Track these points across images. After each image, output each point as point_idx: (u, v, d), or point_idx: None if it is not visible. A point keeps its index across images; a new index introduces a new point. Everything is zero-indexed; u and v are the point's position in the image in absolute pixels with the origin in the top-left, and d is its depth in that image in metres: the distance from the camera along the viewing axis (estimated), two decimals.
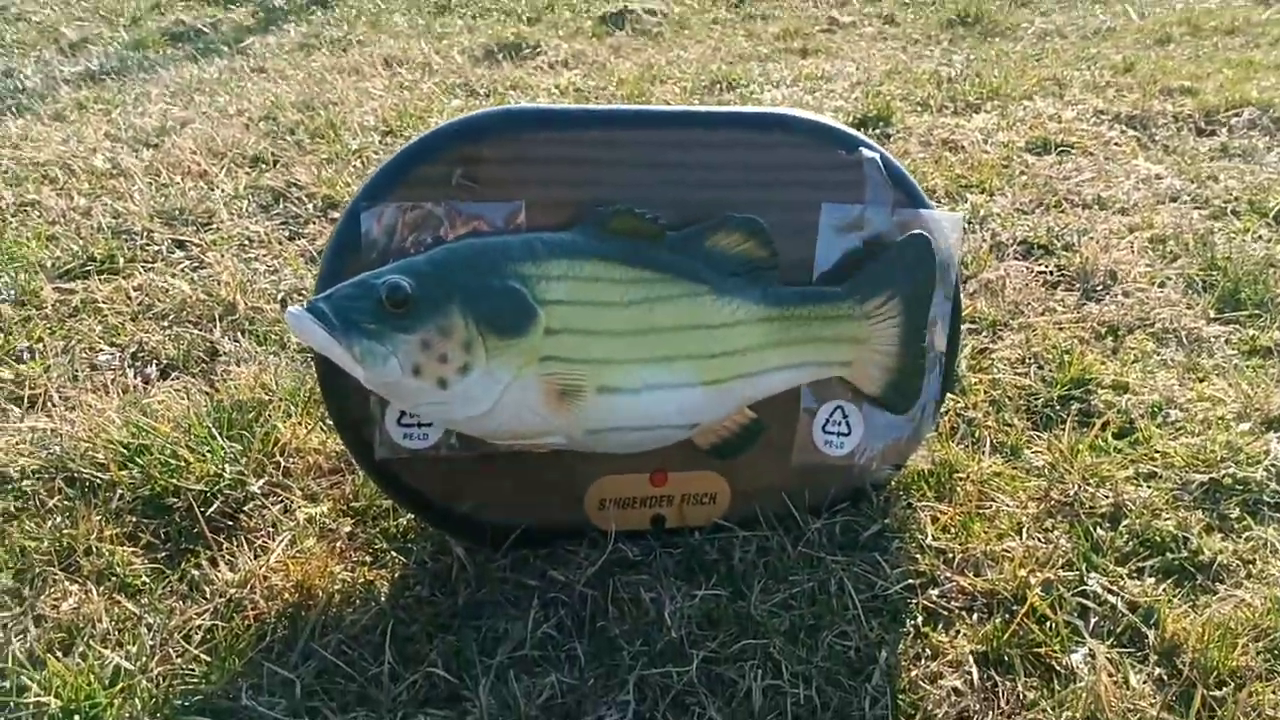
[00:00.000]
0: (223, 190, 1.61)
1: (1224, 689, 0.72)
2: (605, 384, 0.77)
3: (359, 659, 0.74)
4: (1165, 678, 0.73)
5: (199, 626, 0.77)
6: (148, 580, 0.82)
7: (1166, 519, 0.88)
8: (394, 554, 0.84)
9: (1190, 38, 2.66)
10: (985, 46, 2.58)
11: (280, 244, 1.44)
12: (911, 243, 0.83)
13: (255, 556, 0.83)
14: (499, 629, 0.77)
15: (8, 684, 0.71)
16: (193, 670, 0.73)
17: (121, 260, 1.38)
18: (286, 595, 0.79)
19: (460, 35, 2.77)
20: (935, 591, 0.81)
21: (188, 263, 1.38)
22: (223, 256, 1.38)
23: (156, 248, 1.42)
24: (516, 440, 0.78)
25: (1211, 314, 1.21)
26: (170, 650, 0.75)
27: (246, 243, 1.45)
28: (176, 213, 1.52)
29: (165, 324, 1.22)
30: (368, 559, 0.84)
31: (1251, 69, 2.27)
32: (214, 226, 1.49)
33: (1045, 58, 2.42)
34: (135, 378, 1.11)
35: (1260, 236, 1.43)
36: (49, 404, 1.05)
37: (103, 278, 1.33)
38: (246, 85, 2.29)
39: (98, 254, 1.38)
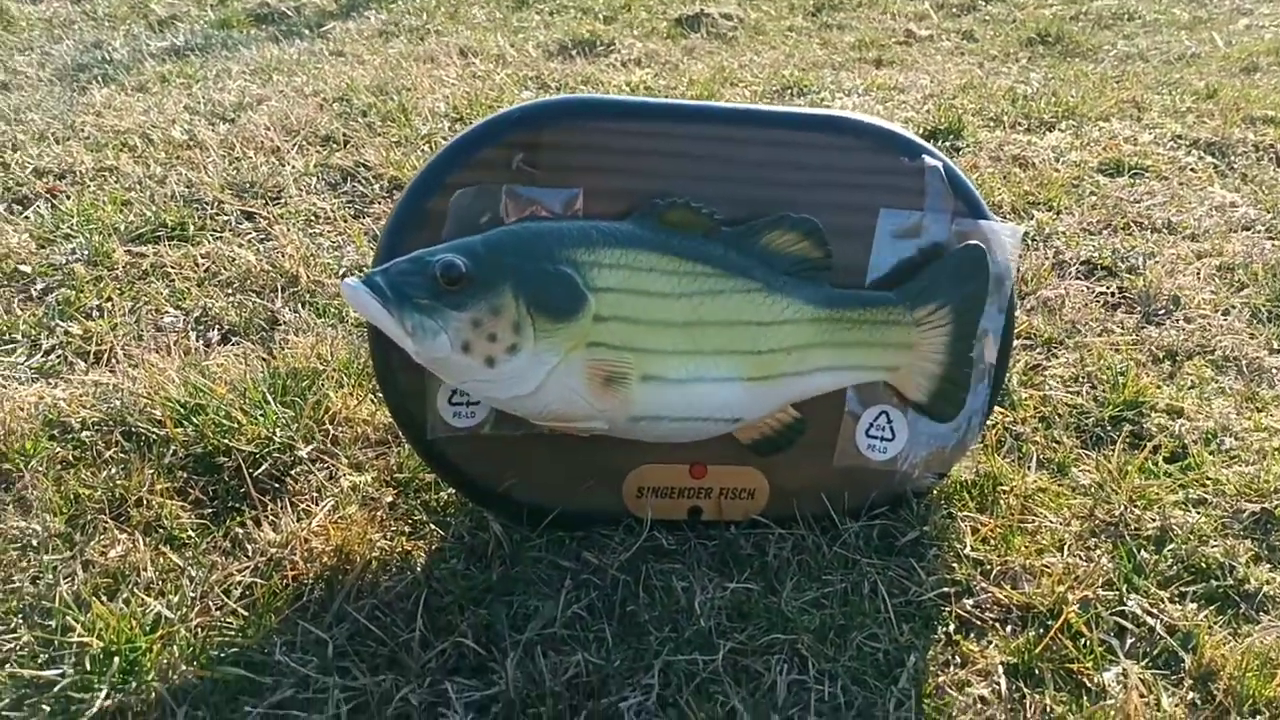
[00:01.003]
0: (293, 167, 1.65)
1: (1258, 718, 0.70)
2: (650, 373, 0.77)
3: (391, 624, 0.76)
4: (1198, 702, 0.72)
5: (239, 582, 0.79)
6: (193, 534, 0.84)
7: (1214, 546, 0.86)
8: (433, 526, 0.86)
9: (1278, 67, 2.60)
10: (1064, 66, 2.54)
11: (345, 221, 1.46)
12: (966, 252, 0.83)
13: (298, 519, 0.85)
14: (530, 606, 0.78)
15: (54, 624, 0.74)
16: (230, 623, 0.75)
17: (192, 228, 1.42)
18: (325, 558, 0.81)
19: (536, 30, 2.80)
20: (970, 601, 0.80)
21: (255, 234, 1.41)
22: (289, 230, 1.41)
23: (226, 218, 1.46)
24: (559, 423, 0.79)
25: (1275, 344, 1.19)
26: (210, 603, 0.77)
27: (313, 218, 1.48)
28: (247, 185, 1.56)
29: (229, 291, 1.25)
30: (407, 529, 0.85)
31: None
32: (282, 201, 1.52)
33: (1125, 80, 2.38)
34: (198, 340, 1.14)
35: None
36: (113, 360, 1.08)
37: (173, 243, 1.37)
38: (324, 67, 2.33)
39: (169, 220, 1.42)
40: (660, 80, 2.29)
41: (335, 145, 1.78)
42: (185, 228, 1.41)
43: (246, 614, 0.76)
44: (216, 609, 0.76)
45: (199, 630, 0.74)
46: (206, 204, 1.50)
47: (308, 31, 2.78)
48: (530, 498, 0.83)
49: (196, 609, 0.76)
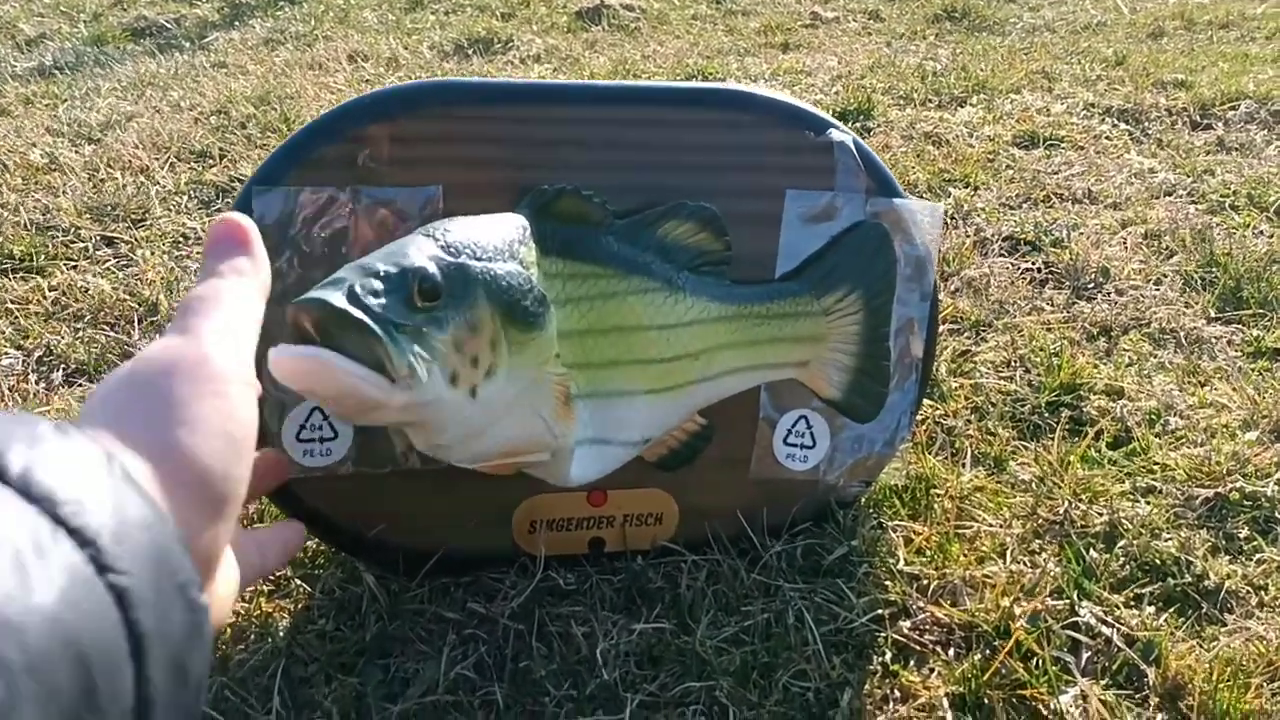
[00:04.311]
0: (161, 185, 1.52)
1: None
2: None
3: (243, 705, 0.64)
4: None
5: None
6: None
7: (1167, 539, 0.78)
8: (298, 582, 0.75)
9: (1184, 31, 2.58)
10: (972, 41, 2.50)
11: None
12: (867, 231, 0.74)
13: None
14: (408, 670, 0.67)
15: None
16: None
17: (43, 258, 1.28)
18: None
19: (431, 30, 2.68)
20: (907, 624, 0.71)
21: (114, 261, 1.29)
22: (152, 254, 1.29)
23: (82, 244, 1.32)
24: (502, 459, 0.63)
25: (1212, 313, 1.12)
26: None
27: (180, 239, 1.35)
28: (108, 209, 1.42)
29: (79, 326, 1.12)
30: (267, 588, 0.74)
31: (1247, 62, 2.19)
32: (147, 223, 1.39)
33: (1034, 51, 2.33)
34: (38, 383, 1.01)
35: (1261, 232, 1.34)
36: None
37: (18, 276, 1.24)
38: (203, 80, 2.19)
39: (17, 251, 1.29)
40: (560, 75, 2.19)
41: (210, 160, 1.65)
42: (34, 258, 1.28)
43: None
44: None
45: None
46: (62, 231, 1.36)
47: (188, 44, 2.64)
48: (405, 542, 0.73)
49: None
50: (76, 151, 1.71)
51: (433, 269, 0.56)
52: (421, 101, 0.70)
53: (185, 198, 1.49)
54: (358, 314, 0.52)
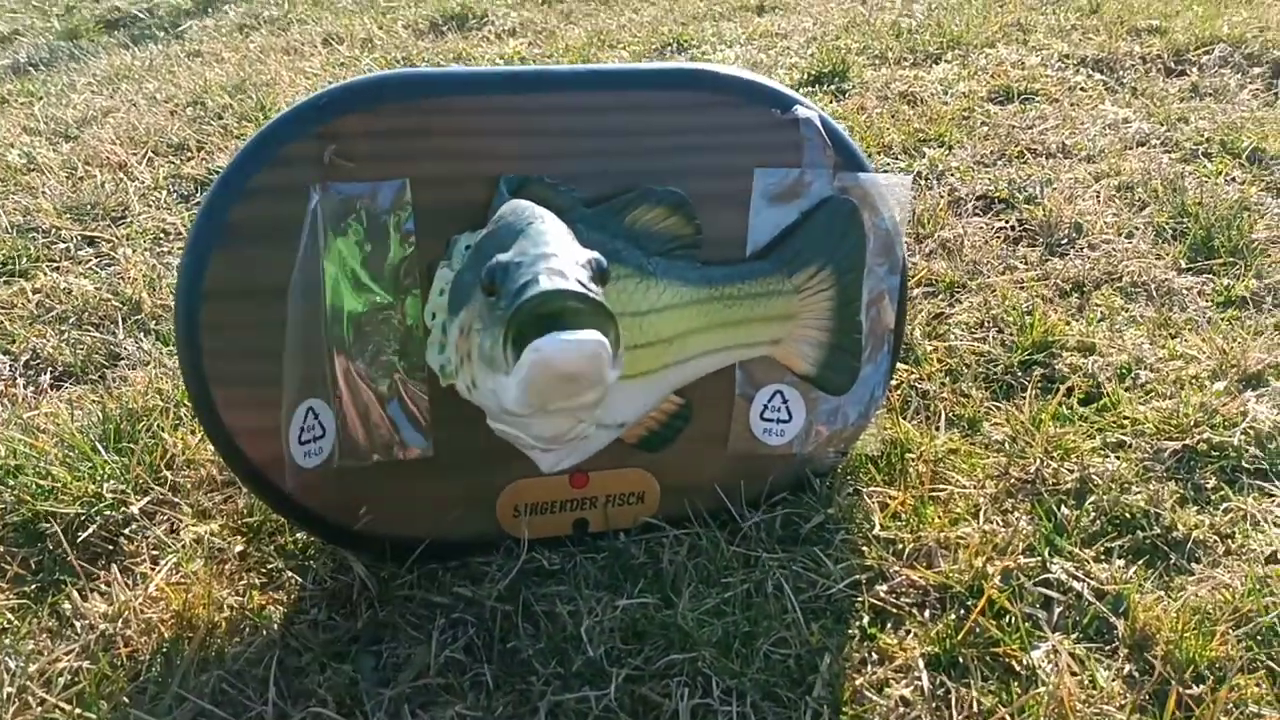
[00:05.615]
0: (140, 182, 1.52)
1: (1202, 685, 0.64)
2: None
3: (240, 697, 0.66)
4: (1136, 674, 0.66)
5: (65, 668, 0.69)
6: (12, 618, 0.73)
7: (1136, 493, 0.80)
8: (290, 574, 0.76)
9: None
10: None
11: None
12: (834, 206, 0.75)
13: (132, 585, 0.75)
14: (400, 655, 0.69)
15: None
16: (53, 719, 0.66)
17: (25, 261, 1.29)
18: (164, 628, 0.71)
19: (405, 8, 2.66)
20: (883, 588, 0.73)
21: (96, 260, 1.29)
22: (133, 252, 1.30)
23: (64, 245, 1.33)
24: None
25: (1183, 264, 1.14)
26: (29, 698, 0.67)
27: (162, 236, 1.36)
28: (88, 208, 1.43)
29: (64, 328, 1.13)
30: (260, 580, 0.76)
31: (1221, 5, 2.19)
32: (127, 220, 1.40)
33: (1008, 3, 2.32)
34: (26, 387, 1.03)
35: (1233, 179, 1.35)
36: None
37: (2, 280, 1.25)
38: (178, 70, 2.19)
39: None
40: (535, 49, 2.19)
41: (188, 153, 1.65)
42: (17, 261, 1.29)
43: (71, 706, 0.66)
44: (37, 704, 0.67)
45: None
46: (43, 232, 1.37)
47: (162, 33, 2.63)
48: (392, 531, 0.74)
49: (14, 707, 0.66)
50: (54, 150, 1.71)
51: (600, 255, 0.58)
52: (385, 94, 0.71)
53: (164, 193, 1.49)
54: (600, 300, 0.54)
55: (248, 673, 0.68)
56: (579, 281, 0.55)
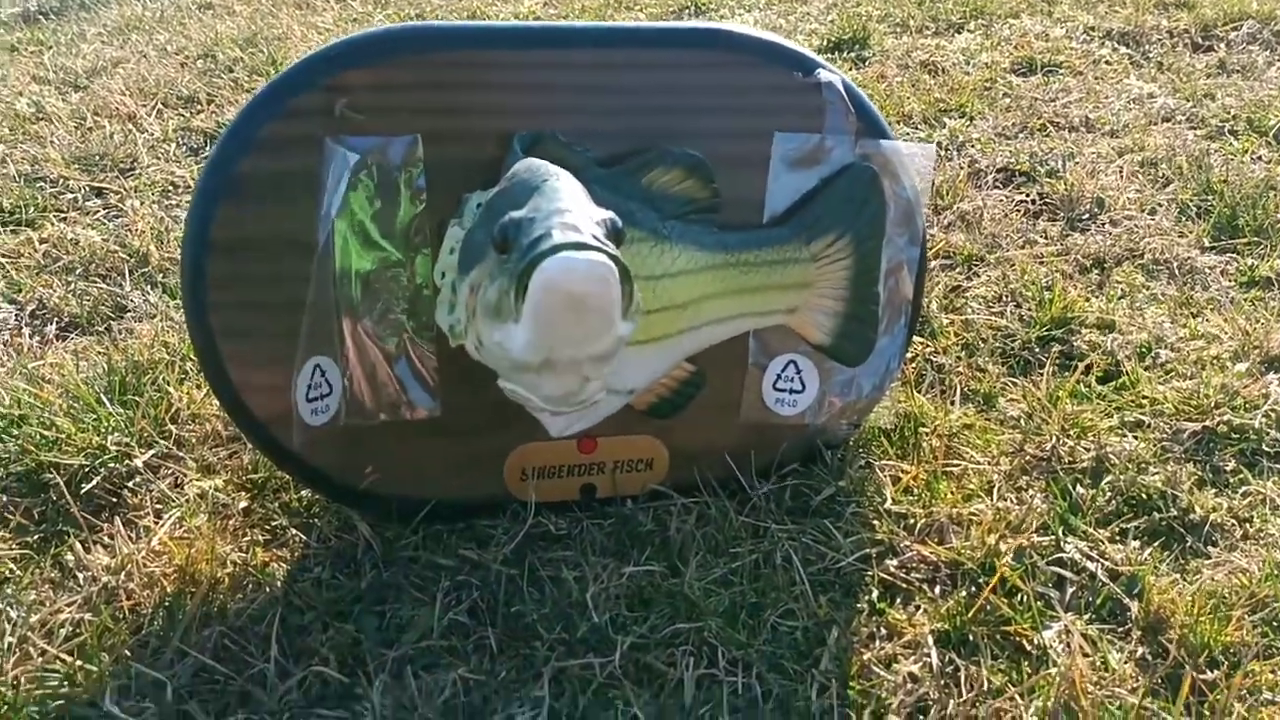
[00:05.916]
0: (149, 134, 1.51)
1: (1216, 670, 0.63)
2: None
3: (242, 654, 0.66)
4: (1149, 657, 0.65)
5: (67, 620, 0.68)
6: (14, 567, 0.73)
7: (1154, 474, 0.79)
8: (294, 531, 0.76)
9: None
10: None
11: None
12: (855, 174, 0.74)
13: (136, 538, 0.74)
14: (404, 616, 0.69)
15: None
16: (54, 670, 0.65)
17: (32, 210, 1.28)
18: (167, 582, 0.71)
19: None
20: (893, 562, 0.72)
21: (104, 211, 1.28)
22: (141, 204, 1.28)
23: (72, 195, 1.32)
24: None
25: (1206, 242, 1.12)
26: (30, 648, 0.66)
27: (170, 188, 1.35)
28: (97, 158, 1.42)
29: (71, 278, 1.12)
30: (264, 538, 0.75)
31: None
32: (136, 172, 1.38)
33: None
34: (32, 337, 1.02)
35: (1260, 157, 1.33)
36: None
37: (9, 230, 1.23)
38: (189, 22, 2.17)
39: (7, 204, 1.28)
40: (550, 10, 2.16)
41: (198, 106, 1.63)
42: (25, 210, 1.27)
43: (72, 658, 0.66)
44: (38, 654, 0.66)
45: (16, 683, 0.64)
46: (51, 182, 1.36)
47: None
48: (397, 491, 0.74)
49: (15, 656, 0.66)
50: (63, 100, 1.69)
51: (615, 215, 0.57)
52: (398, 47, 0.69)
53: (173, 145, 1.48)
54: (615, 252, 0.53)
55: (250, 629, 0.67)
56: (594, 236, 0.53)
